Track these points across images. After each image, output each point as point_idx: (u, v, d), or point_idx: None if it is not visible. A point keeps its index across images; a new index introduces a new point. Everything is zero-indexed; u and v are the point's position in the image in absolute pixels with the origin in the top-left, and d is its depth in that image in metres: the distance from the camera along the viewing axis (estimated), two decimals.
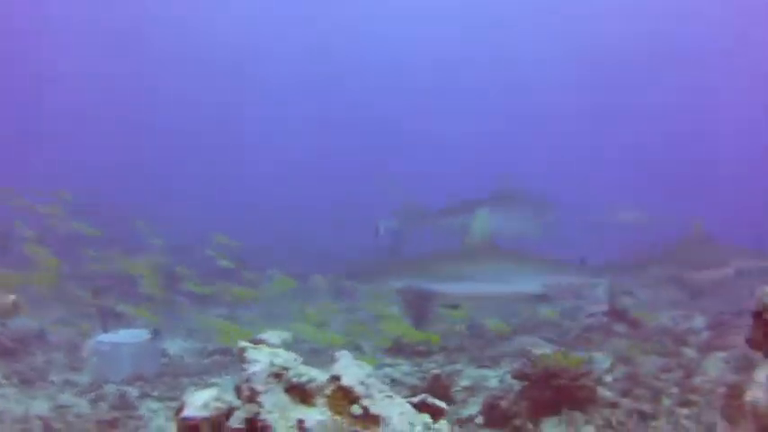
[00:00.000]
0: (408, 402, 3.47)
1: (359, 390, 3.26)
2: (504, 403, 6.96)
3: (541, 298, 9.11)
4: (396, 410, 3.24)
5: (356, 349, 10.37)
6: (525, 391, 7.06)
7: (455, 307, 9.56)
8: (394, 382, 8.34)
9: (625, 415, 6.92)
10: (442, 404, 3.66)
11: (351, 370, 3.36)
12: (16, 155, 36.98)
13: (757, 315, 4.04)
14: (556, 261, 10.39)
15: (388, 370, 9.03)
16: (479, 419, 7.08)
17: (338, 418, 3.15)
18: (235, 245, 11.05)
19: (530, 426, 6.70)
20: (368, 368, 3.47)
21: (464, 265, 9.59)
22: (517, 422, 6.75)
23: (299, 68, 54.67)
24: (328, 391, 3.28)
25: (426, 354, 9.76)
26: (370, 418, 3.17)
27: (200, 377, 9.12)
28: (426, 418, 3.34)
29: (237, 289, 9.58)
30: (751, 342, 4.13)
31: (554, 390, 6.91)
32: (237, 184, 40.14)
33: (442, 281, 9.61)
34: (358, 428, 3.13)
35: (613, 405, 7.18)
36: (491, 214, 14.54)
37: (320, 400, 3.24)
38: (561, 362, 7.34)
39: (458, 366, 9.18)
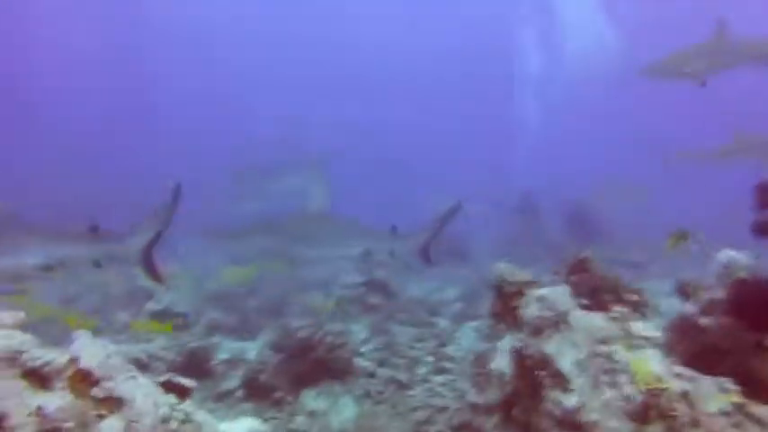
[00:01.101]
0: (154, 382, 3.27)
1: (99, 371, 3.07)
2: (263, 376, 6.86)
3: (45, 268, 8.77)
4: (140, 391, 3.10)
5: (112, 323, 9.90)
6: (284, 364, 7.00)
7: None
8: (151, 358, 7.96)
9: (383, 384, 7.05)
10: (189, 383, 3.50)
11: (90, 350, 3.15)
12: None
13: (497, 288, 4.20)
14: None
15: (144, 345, 8.61)
16: (239, 393, 6.93)
17: (80, 401, 2.95)
18: None
19: (290, 398, 6.66)
20: (110, 347, 3.22)
21: None
22: (277, 395, 6.69)
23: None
24: (67, 374, 3.06)
25: (184, 327, 9.43)
26: (113, 401, 3.01)
27: None
28: (172, 398, 3.16)
29: None
30: (493, 315, 4.29)
31: (312, 362, 6.92)
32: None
33: None
34: (101, 412, 2.96)
35: (371, 375, 7.31)
36: None
37: (60, 384, 3.02)
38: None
39: (214, 339, 8.94)
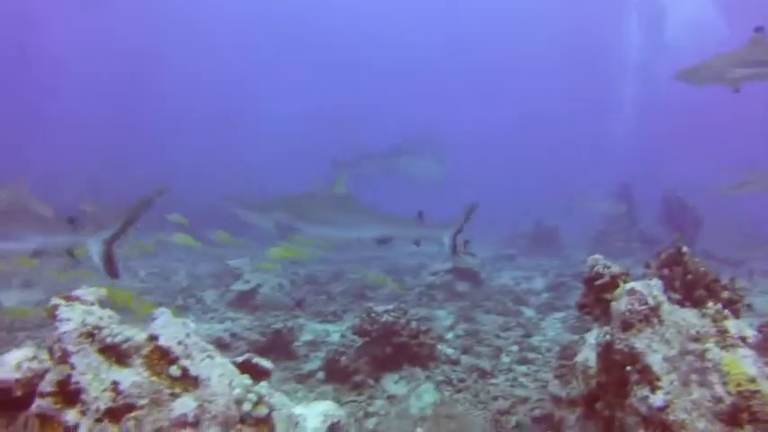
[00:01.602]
0: (232, 362, 3.26)
1: (177, 350, 3.07)
2: (344, 359, 6.85)
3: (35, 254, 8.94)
4: (216, 371, 3.08)
5: (198, 302, 10.10)
6: (366, 347, 6.98)
7: None
8: (234, 337, 8.07)
9: (465, 372, 6.95)
10: (268, 364, 3.47)
11: (170, 329, 3.16)
12: None
13: (589, 281, 4.06)
14: None
15: (228, 324, 8.76)
16: (320, 375, 6.94)
17: (155, 379, 2.95)
18: None
19: (370, 381, 6.62)
20: (191, 326, 3.21)
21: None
22: (358, 378, 6.66)
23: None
24: (145, 352, 3.07)
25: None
26: (188, 380, 2.99)
27: (38, 330, 8.50)
28: (246, 379, 3.13)
29: None
30: (582, 306, 4.15)
31: (394, 346, 6.87)
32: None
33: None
34: (176, 390, 2.95)
35: (453, 362, 7.22)
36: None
37: (137, 361, 3.02)
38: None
39: (300, 320, 9.01)
